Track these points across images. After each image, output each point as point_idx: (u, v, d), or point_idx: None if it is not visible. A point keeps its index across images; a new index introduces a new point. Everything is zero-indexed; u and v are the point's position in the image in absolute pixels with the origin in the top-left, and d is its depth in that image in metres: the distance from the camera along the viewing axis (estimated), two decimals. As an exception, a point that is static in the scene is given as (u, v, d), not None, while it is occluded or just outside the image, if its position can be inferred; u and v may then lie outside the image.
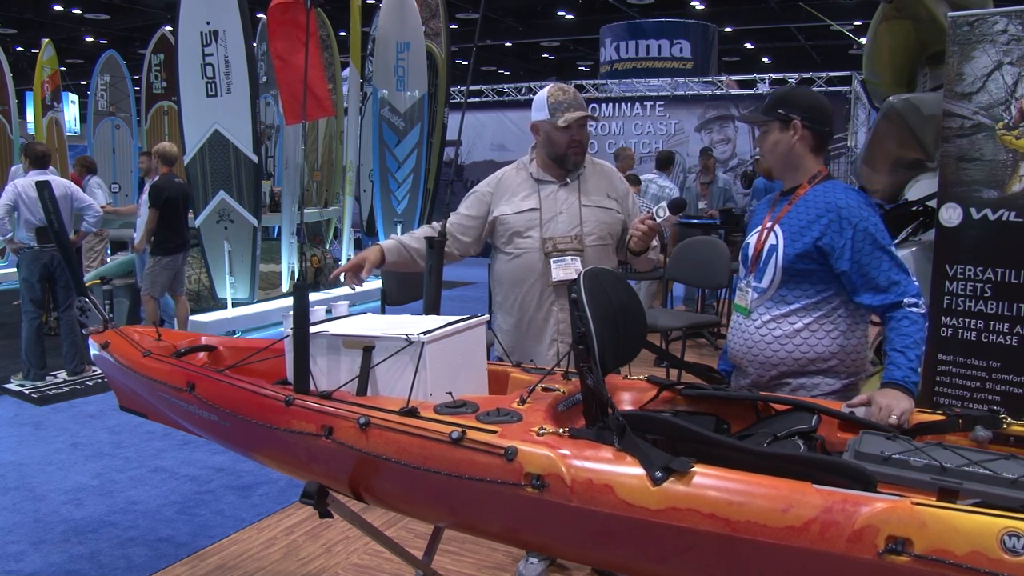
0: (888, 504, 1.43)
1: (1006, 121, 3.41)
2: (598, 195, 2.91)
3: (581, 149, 2.84)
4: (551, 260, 2.81)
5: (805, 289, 2.33)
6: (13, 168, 9.57)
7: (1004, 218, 3.42)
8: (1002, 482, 1.56)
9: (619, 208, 2.95)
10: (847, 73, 12.18)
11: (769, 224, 2.42)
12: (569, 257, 2.80)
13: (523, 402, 1.97)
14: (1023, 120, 3.38)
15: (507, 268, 2.93)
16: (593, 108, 14.44)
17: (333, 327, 2.23)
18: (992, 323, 3.47)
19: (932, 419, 2.00)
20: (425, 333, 2.07)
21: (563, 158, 2.84)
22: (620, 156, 9.24)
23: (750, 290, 2.42)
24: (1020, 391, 3.43)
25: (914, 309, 2.22)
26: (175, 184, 6.98)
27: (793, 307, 2.34)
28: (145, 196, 7.10)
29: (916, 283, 2.27)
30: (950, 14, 3.54)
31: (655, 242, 2.87)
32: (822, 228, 2.27)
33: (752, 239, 2.48)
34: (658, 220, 2.65)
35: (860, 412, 2.03)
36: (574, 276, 2.69)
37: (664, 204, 2.64)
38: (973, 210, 3.47)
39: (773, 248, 2.36)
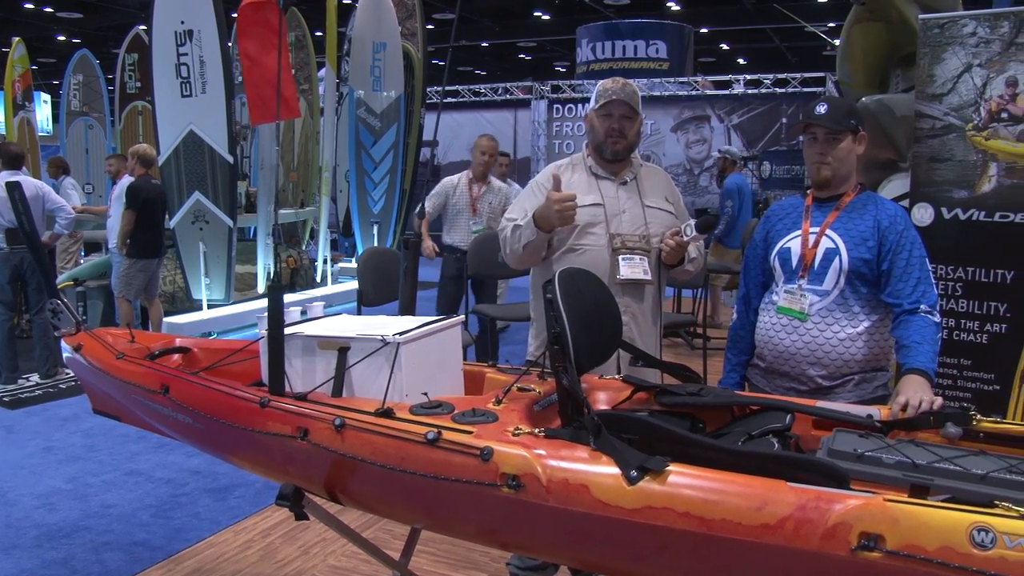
0: (861, 501, 1.45)
1: (976, 122, 3.46)
2: (657, 198, 2.80)
3: (621, 139, 2.71)
4: (619, 257, 2.68)
5: (865, 292, 2.42)
6: None
7: (974, 218, 3.47)
8: (972, 478, 1.59)
9: (676, 212, 2.85)
10: (821, 74, 12.31)
11: (815, 229, 2.48)
12: (638, 257, 2.68)
13: (499, 402, 1.97)
14: (992, 121, 3.43)
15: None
16: (569, 108, 14.48)
17: (308, 328, 2.23)
18: (963, 321, 3.52)
19: (904, 416, 2.02)
20: (400, 334, 2.06)
21: (601, 146, 2.74)
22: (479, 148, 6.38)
23: (807, 294, 2.45)
24: (990, 388, 3.48)
25: (930, 316, 2.33)
26: (152, 186, 6.91)
27: (854, 309, 2.41)
28: (117, 195, 7.02)
29: (936, 294, 2.39)
30: (920, 16, 3.59)
31: (694, 253, 2.79)
32: (881, 233, 2.40)
33: (792, 244, 2.51)
34: (686, 238, 2.61)
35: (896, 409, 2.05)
36: (642, 276, 2.65)
37: (692, 223, 2.60)
38: (944, 210, 3.52)
39: (833, 252, 2.43)
